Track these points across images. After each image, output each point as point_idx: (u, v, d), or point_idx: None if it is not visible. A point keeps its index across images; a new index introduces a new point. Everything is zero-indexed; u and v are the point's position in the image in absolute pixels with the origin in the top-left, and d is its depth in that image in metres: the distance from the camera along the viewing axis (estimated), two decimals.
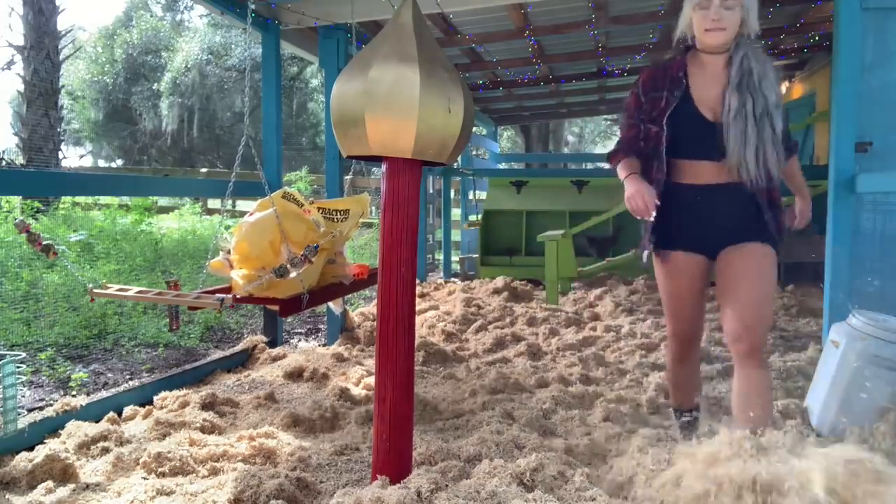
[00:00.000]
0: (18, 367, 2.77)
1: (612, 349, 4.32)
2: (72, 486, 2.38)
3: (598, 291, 6.33)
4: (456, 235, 10.31)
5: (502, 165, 13.06)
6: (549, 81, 8.68)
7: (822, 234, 3.49)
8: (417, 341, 3.92)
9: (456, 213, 10.32)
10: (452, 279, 8.14)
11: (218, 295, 2.57)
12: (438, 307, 5.77)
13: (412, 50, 1.98)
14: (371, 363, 4.05)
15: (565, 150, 20.67)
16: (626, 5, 6.31)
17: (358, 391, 3.51)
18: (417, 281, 3.77)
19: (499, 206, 8.02)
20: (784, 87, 10.94)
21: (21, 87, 10.74)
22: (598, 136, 30.36)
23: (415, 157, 2.00)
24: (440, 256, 9.13)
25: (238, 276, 2.65)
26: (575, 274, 6.09)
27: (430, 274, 8.69)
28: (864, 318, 2.82)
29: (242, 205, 11.86)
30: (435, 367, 4.02)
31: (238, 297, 2.55)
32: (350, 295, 4.92)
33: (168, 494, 2.30)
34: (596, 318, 5.39)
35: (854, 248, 3.40)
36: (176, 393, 3.41)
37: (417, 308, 3.86)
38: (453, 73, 2.05)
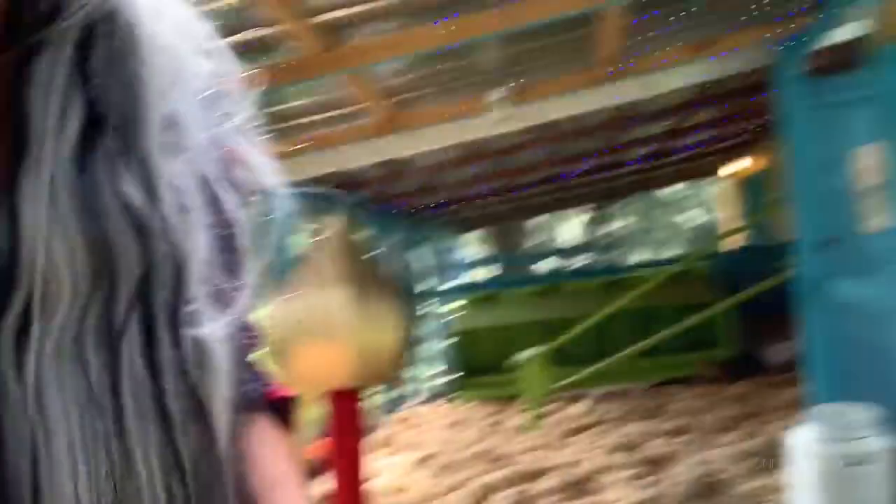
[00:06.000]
0: None
1: None
2: None
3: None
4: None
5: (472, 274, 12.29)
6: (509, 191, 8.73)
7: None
8: None
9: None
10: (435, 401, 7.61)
11: None
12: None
13: (342, 273, 1.89)
14: None
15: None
16: None
17: None
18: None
19: (472, 325, 7.68)
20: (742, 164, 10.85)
21: None
22: None
23: (354, 387, 1.88)
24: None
25: None
26: (547, 391, 5.71)
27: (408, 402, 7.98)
28: (824, 418, 2.70)
29: None
30: None
31: None
32: None
33: None
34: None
35: (830, 353, 3.27)
36: None
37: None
38: (387, 287, 1.96)
